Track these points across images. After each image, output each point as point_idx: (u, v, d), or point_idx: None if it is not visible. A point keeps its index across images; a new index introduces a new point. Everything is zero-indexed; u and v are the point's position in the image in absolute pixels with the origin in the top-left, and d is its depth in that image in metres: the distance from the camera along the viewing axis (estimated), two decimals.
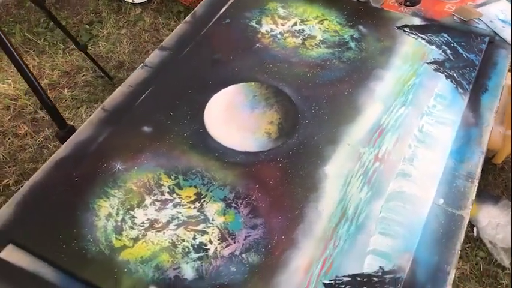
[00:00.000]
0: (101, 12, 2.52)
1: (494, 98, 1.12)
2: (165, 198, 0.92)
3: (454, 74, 1.14)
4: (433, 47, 1.21)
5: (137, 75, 1.17)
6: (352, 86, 1.12)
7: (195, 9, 1.33)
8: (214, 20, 1.29)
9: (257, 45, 1.22)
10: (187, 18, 1.31)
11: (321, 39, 1.23)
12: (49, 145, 1.99)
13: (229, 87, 1.12)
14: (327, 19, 1.28)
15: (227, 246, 0.86)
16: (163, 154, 0.99)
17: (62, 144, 1.05)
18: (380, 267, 0.84)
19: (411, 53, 1.20)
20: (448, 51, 1.20)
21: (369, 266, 0.84)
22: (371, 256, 0.85)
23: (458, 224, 0.91)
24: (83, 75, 2.23)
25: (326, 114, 1.06)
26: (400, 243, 0.87)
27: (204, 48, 1.21)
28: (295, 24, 1.27)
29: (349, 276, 0.83)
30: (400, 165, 0.98)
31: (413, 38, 1.23)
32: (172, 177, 0.95)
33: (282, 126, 1.04)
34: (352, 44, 1.22)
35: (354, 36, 1.24)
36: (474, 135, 1.05)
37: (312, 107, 1.07)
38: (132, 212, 0.90)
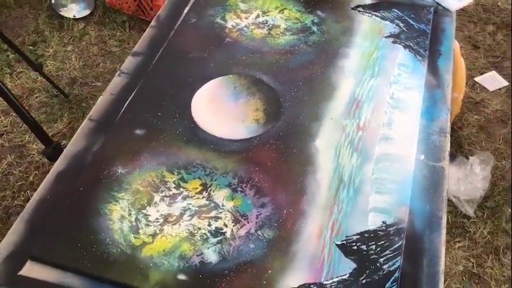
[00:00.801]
0: (43, 31, 2.47)
1: (449, 60, 1.24)
2: (173, 193, 0.96)
3: (411, 44, 1.25)
4: (387, 22, 1.32)
5: (116, 82, 1.19)
6: (323, 66, 1.20)
7: (158, 13, 1.37)
8: (179, 21, 1.33)
9: (227, 40, 1.27)
10: (152, 23, 1.34)
11: (285, 27, 1.30)
12: (14, 171, 1.95)
13: (209, 82, 1.17)
14: (286, 8, 1.36)
15: (242, 226, 0.91)
16: (161, 153, 1.03)
17: (52, 161, 1.06)
18: (383, 222, 0.92)
19: (369, 30, 1.30)
20: (401, 24, 1.31)
21: (373, 222, 0.92)
22: (373, 214, 0.93)
23: (440, 174, 1.02)
24: (37, 97, 2.18)
25: (305, 94, 1.14)
26: (395, 198, 0.96)
27: (177, 49, 1.25)
28: (257, 16, 1.34)
29: (357, 234, 0.91)
30: (381, 131, 1.07)
31: (368, 16, 1.33)
32: (175, 173, 1.00)
33: (268, 112, 1.11)
34: (314, 28, 1.30)
35: (314, 21, 1.32)
36: (438, 96, 1.16)
37: (291, 90, 1.15)
38: (144, 211, 0.94)
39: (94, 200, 0.95)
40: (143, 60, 1.24)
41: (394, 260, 0.87)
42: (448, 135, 1.09)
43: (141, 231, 0.91)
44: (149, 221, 0.92)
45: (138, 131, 1.07)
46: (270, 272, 0.85)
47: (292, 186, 0.97)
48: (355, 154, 1.03)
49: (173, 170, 1.00)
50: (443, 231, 0.93)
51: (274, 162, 1.01)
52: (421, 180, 1.00)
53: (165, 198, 0.96)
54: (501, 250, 1.72)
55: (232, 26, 1.31)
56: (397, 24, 1.30)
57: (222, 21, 1.32)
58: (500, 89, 2.24)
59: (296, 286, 0.84)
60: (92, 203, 0.95)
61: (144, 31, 1.32)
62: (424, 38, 1.27)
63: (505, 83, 2.24)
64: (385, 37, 1.28)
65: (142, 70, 1.21)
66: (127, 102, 1.14)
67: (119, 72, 1.21)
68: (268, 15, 1.34)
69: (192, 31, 1.30)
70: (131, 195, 0.96)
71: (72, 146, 1.06)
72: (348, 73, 1.19)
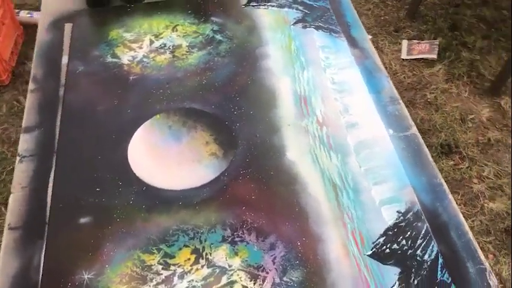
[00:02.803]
0: None
1: (360, 28, 1.22)
2: (165, 276, 0.78)
3: (320, 24, 1.20)
4: (286, 9, 1.24)
5: (21, 171, 0.94)
6: (250, 73, 1.09)
7: (32, 74, 1.12)
8: (65, 74, 1.10)
9: (131, 77, 1.08)
10: (30, 86, 1.09)
11: (188, 44, 1.16)
12: None
13: (137, 132, 0.98)
14: (177, 24, 1.21)
15: (264, 280, 0.77)
16: (124, 235, 0.83)
17: None
18: (397, 212, 0.86)
19: (274, 22, 1.21)
20: (300, 8, 1.25)
21: (389, 216, 0.85)
22: (384, 207, 0.86)
23: (416, 141, 0.98)
24: None
25: (249, 109, 1.02)
26: (395, 183, 0.90)
27: (78, 106, 1.03)
28: (151, 42, 1.16)
29: (382, 235, 0.83)
30: (342, 119, 1.00)
31: (264, 8, 1.25)
32: (155, 251, 0.81)
33: (220, 141, 0.96)
34: (218, 37, 1.17)
35: (214, 28, 1.20)
36: (371, 66, 1.13)
37: (232, 109, 1.02)
38: None
39: None
40: (42, 135, 1.00)
41: (430, 247, 0.81)
42: (401, 101, 1.06)
43: None
44: None
45: (82, 220, 0.85)
46: None
47: (290, 212, 0.85)
48: (332, 153, 0.94)
49: (151, 250, 0.81)
50: (450, 196, 0.90)
51: (258, 193, 0.88)
52: (404, 155, 0.95)
53: (159, 286, 0.77)
54: None
55: (129, 60, 1.12)
56: (297, 8, 1.24)
57: (115, 59, 1.12)
58: None
59: None
60: None
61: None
62: (328, 14, 1.22)
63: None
64: (293, 25, 1.20)
65: (47, 146, 0.98)
66: (48, 191, 0.90)
67: (18, 158, 0.96)
68: (162, 37, 1.17)
69: (86, 80, 1.08)
70: None
71: (7, 267, 0.80)
72: (278, 72, 1.09)
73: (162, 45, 1.16)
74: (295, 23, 1.21)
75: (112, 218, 0.85)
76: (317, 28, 1.19)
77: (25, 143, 0.99)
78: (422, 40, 2.40)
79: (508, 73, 2.13)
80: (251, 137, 0.97)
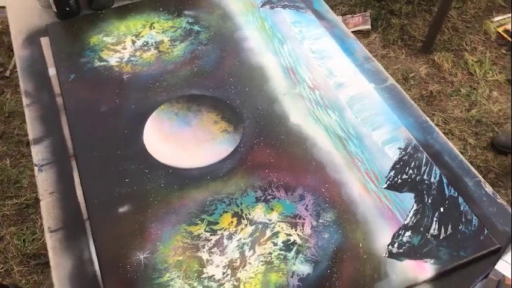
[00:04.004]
0: None
1: (321, 2, 1.34)
2: (216, 240, 0.86)
3: (286, 3, 1.31)
4: None
5: (43, 179, 0.97)
6: (235, 55, 1.17)
7: (22, 89, 1.14)
8: (57, 83, 1.13)
9: (124, 76, 1.13)
10: (25, 101, 1.11)
11: (169, 39, 1.22)
12: None
13: (146, 123, 1.04)
14: (153, 22, 1.27)
15: (303, 225, 0.87)
16: (166, 214, 0.89)
17: None
18: (398, 148, 0.98)
19: (243, 7, 1.30)
20: None
21: (393, 153, 0.97)
22: (386, 147, 0.98)
23: (396, 90, 1.11)
24: None
25: (244, 86, 1.10)
26: (390, 126, 1.02)
27: (81, 111, 1.06)
28: (133, 42, 1.22)
29: (391, 169, 0.95)
30: (329, 82, 1.11)
31: None
32: (199, 222, 0.88)
33: (228, 118, 1.04)
34: (196, 27, 1.25)
35: (189, 21, 1.27)
36: (339, 33, 1.25)
37: (229, 89, 1.10)
38: (204, 276, 0.81)
39: None
40: (52, 143, 1.03)
41: (433, 171, 0.94)
42: (374, 58, 1.19)
43: None
44: (218, 280, 0.81)
45: (121, 210, 0.90)
46: (362, 243, 0.84)
47: (309, 167, 0.95)
48: (329, 110, 1.05)
49: (194, 222, 0.88)
50: (437, 129, 1.03)
51: (275, 156, 0.97)
52: (390, 103, 1.08)
53: (213, 251, 0.84)
54: None
55: (117, 62, 1.17)
56: None
57: (103, 63, 1.17)
58: None
59: (389, 240, 0.84)
60: None
61: None
62: None
63: None
64: (261, 7, 1.30)
65: (60, 153, 1.01)
66: (77, 192, 0.94)
67: (37, 168, 0.99)
68: (142, 36, 1.23)
69: (81, 86, 1.12)
70: (177, 270, 0.82)
71: (58, 272, 0.84)
72: (261, 51, 1.18)
73: (145, 43, 1.21)
74: (263, 5, 1.31)
75: (149, 202, 0.90)
76: (284, 7, 1.29)
77: (38, 153, 1.01)
78: (355, 14, 2.58)
79: (435, 32, 2.35)
80: (254, 110, 1.06)
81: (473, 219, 0.86)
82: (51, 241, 0.88)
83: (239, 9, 1.30)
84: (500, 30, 2.47)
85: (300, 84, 1.10)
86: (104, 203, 0.91)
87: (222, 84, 1.11)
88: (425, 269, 0.81)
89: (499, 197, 0.91)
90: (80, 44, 1.21)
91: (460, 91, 2.23)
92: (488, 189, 0.93)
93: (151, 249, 0.84)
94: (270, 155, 0.97)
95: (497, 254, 0.83)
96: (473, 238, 0.84)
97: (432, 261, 0.82)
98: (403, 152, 0.97)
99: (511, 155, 1.92)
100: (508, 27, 2.45)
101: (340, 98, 1.08)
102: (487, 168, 1.91)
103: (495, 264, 0.81)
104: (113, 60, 1.17)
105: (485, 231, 0.85)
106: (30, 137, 1.04)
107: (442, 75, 2.31)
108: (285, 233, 0.86)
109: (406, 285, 0.79)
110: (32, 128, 1.06)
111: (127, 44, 1.21)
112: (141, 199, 0.91)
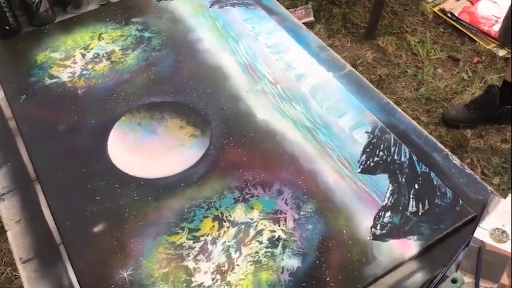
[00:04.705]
0: None
1: None
2: (199, 247, 0.84)
3: (234, 1, 1.30)
4: None
5: (7, 208, 0.92)
6: (191, 58, 1.16)
7: None
8: (7, 105, 1.07)
9: (79, 91, 1.09)
10: None
11: (120, 48, 1.19)
12: None
13: (110, 137, 1.00)
14: (101, 33, 1.22)
15: (285, 219, 0.86)
16: (144, 227, 0.86)
17: None
18: (366, 132, 1.00)
19: (191, 9, 1.29)
20: None
21: (361, 138, 0.99)
22: (354, 132, 1.00)
23: (354, 75, 1.13)
24: None
25: (205, 88, 1.09)
26: (354, 111, 1.03)
27: (38, 132, 1.01)
28: (83, 55, 1.17)
29: (362, 153, 0.96)
30: (289, 74, 1.11)
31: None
32: (179, 231, 0.86)
33: (193, 122, 1.03)
34: (146, 34, 1.22)
35: (138, 28, 1.24)
36: (290, 26, 1.26)
37: (190, 92, 1.08)
38: (192, 286, 0.79)
39: None
40: (11, 169, 0.98)
41: (402, 150, 0.96)
42: (327, 47, 1.20)
43: None
44: (209, 287, 0.79)
45: (96, 229, 0.87)
46: (346, 229, 0.84)
47: (281, 160, 0.95)
48: (294, 103, 1.05)
49: (175, 231, 0.86)
50: (399, 109, 1.06)
51: (247, 154, 0.96)
52: (350, 89, 1.10)
53: (198, 258, 0.82)
54: None
55: (69, 77, 1.12)
56: None
57: (54, 79, 1.12)
58: None
59: (371, 223, 0.85)
60: None
61: None
62: None
63: None
64: (210, 7, 1.29)
65: (21, 178, 0.96)
66: (45, 216, 0.90)
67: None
68: (92, 48, 1.19)
69: (34, 107, 1.06)
70: (164, 282, 0.79)
71: None
72: (217, 51, 1.17)
73: (96, 55, 1.17)
74: (212, 5, 1.29)
75: (124, 217, 0.87)
76: (233, 5, 1.29)
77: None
78: (297, 7, 2.61)
79: (376, 17, 2.42)
80: (218, 110, 1.04)
81: (447, 192, 0.89)
82: (25, 272, 0.84)
83: (188, 11, 1.28)
84: (435, 10, 2.57)
85: (261, 80, 1.10)
86: (76, 225, 0.87)
87: (182, 88, 1.09)
88: (410, 246, 0.82)
89: (467, 167, 0.95)
90: (26, 62, 1.15)
91: (407, 72, 2.30)
92: (456, 161, 0.96)
93: (135, 265, 0.81)
94: (242, 154, 0.96)
95: (473, 222, 0.86)
96: (450, 210, 0.87)
97: (415, 237, 0.83)
98: (371, 135, 0.99)
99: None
100: (443, 6, 2.56)
101: (302, 89, 1.08)
102: (442, 143, 1.98)
103: (473, 232, 0.84)
104: (64, 76, 1.12)
105: (460, 202, 0.88)
106: None
107: (388, 59, 2.38)
108: (269, 230, 0.85)
109: (394, 264, 0.80)
110: None
111: (77, 58, 1.16)
112: (116, 215, 0.88)
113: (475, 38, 2.42)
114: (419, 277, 0.80)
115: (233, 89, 1.08)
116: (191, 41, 1.19)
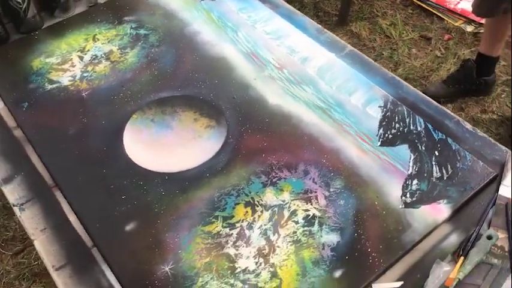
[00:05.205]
0: None
1: None
2: (237, 233, 0.83)
3: None
4: None
5: (29, 217, 0.89)
6: (192, 51, 1.15)
7: None
8: (11, 114, 1.04)
9: (83, 94, 1.07)
10: None
11: (117, 48, 1.16)
12: None
13: (124, 136, 0.98)
14: (95, 34, 1.20)
15: (316, 198, 0.87)
16: (178, 220, 0.85)
17: None
18: (379, 106, 1.01)
19: (184, 4, 1.27)
20: None
21: (375, 112, 1.00)
22: (368, 108, 1.01)
23: (356, 54, 1.15)
24: None
25: (212, 79, 1.08)
26: (364, 87, 1.05)
27: (49, 139, 0.98)
28: (80, 58, 1.14)
29: (379, 127, 0.98)
30: (294, 57, 1.12)
31: None
32: (214, 220, 0.85)
33: (207, 114, 1.02)
34: (142, 31, 1.20)
35: (133, 26, 1.22)
36: (285, 12, 1.27)
37: (199, 85, 1.07)
38: (237, 271, 0.79)
39: None
40: (25, 178, 0.95)
41: (417, 120, 0.98)
42: (325, 30, 1.22)
43: (259, 284, 0.77)
44: (253, 271, 0.79)
45: (128, 228, 0.85)
46: (377, 200, 0.86)
47: (302, 141, 0.96)
48: (304, 86, 1.06)
49: (209, 220, 0.85)
50: (405, 82, 1.08)
51: (267, 139, 0.96)
52: (355, 67, 1.11)
53: (237, 244, 0.82)
54: None
55: (70, 80, 1.09)
56: None
57: (55, 84, 1.09)
58: None
59: (401, 192, 0.87)
60: None
61: None
62: None
63: None
64: (202, 0, 1.28)
65: (38, 186, 0.93)
66: (71, 221, 0.87)
67: (18, 208, 0.90)
68: (88, 50, 1.16)
69: (39, 113, 1.03)
70: (208, 272, 0.79)
71: None
72: (218, 42, 1.17)
73: (94, 57, 1.14)
74: None
75: (155, 213, 0.86)
76: None
77: (13, 192, 0.92)
78: None
79: (347, 4, 2.46)
80: (229, 99, 1.04)
81: (467, 155, 0.92)
82: (59, 279, 0.81)
83: (180, 5, 1.27)
84: None
85: (266, 66, 1.10)
86: (107, 226, 0.85)
87: (189, 81, 1.08)
88: (441, 210, 0.84)
89: (479, 131, 0.98)
90: (22, 70, 1.12)
91: (383, 54, 2.35)
92: (468, 126, 0.99)
93: (174, 259, 0.80)
94: (261, 139, 0.96)
95: (495, 181, 0.89)
96: (472, 172, 0.89)
97: (445, 201, 0.85)
98: (384, 109, 1.01)
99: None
100: None
101: (309, 71, 1.09)
102: None
103: (497, 190, 0.87)
104: (64, 80, 1.09)
105: (480, 163, 0.90)
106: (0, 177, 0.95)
107: (363, 43, 2.42)
108: (302, 210, 0.86)
109: (429, 229, 0.82)
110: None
111: (74, 61, 1.13)
112: (146, 212, 0.86)
113: (443, 16, 2.49)
114: (454, 238, 0.82)
115: (240, 78, 1.08)
116: (189, 34, 1.18)
